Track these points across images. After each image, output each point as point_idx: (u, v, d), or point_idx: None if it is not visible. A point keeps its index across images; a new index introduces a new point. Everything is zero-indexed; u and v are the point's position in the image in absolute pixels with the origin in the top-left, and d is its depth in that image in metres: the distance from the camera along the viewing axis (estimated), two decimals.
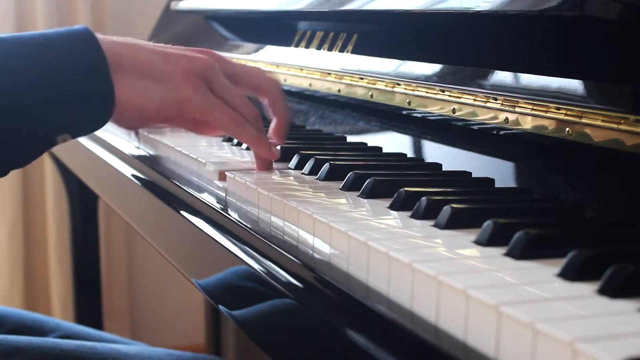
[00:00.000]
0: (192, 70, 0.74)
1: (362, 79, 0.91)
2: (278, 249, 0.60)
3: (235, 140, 0.95)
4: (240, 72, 0.80)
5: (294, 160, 0.81)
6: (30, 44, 0.69)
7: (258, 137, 0.77)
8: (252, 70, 0.81)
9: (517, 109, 0.69)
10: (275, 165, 0.82)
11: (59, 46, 0.70)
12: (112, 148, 1.08)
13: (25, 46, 0.69)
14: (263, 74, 0.81)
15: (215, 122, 0.76)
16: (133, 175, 0.94)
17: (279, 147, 0.81)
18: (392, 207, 0.64)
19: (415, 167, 0.80)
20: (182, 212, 0.77)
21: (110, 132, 1.11)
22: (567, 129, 0.63)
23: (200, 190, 0.79)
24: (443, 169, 0.79)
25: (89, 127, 0.73)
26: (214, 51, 0.79)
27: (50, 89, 0.69)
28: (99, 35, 0.72)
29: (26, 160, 0.72)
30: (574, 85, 0.64)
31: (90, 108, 0.71)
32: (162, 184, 0.86)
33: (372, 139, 0.92)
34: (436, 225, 0.58)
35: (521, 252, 0.51)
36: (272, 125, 0.81)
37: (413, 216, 0.61)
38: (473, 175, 0.74)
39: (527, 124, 0.68)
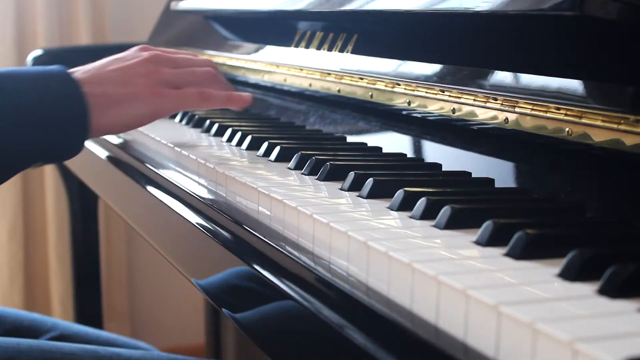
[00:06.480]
0: (153, 83, 0.87)
1: (362, 79, 0.91)
2: (278, 248, 0.60)
3: (235, 140, 0.95)
4: (182, 64, 0.93)
5: (294, 160, 0.81)
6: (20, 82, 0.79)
7: (227, 97, 0.91)
8: (190, 61, 0.94)
9: (517, 109, 0.69)
10: (275, 164, 0.83)
11: (45, 90, 0.79)
12: (111, 147, 1.08)
13: (22, 81, 0.79)
14: (199, 62, 0.95)
15: (189, 108, 0.92)
16: (131, 176, 0.94)
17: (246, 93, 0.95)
18: (392, 207, 0.64)
19: (415, 167, 0.80)
20: (182, 212, 0.77)
21: None
22: (567, 129, 0.63)
23: (200, 189, 0.79)
24: (443, 169, 0.79)
25: (66, 156, 0.84)
26: (154, 49, 0.92)
27: (33, 129, 0.79)
28: (74, 76, 0.82)
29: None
30: (574, 85, 0.64)
31: (65, 144, 0.81)
32: (161, 184, 0.86)
33: (372, 139, 0.92)
34: (436, 226, 0.58)
35: (521, 252, 0.51)
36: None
37: (413, 216, 0.61)
38: (473, 175, 0.74)
39: (527, 124, 0.68)
